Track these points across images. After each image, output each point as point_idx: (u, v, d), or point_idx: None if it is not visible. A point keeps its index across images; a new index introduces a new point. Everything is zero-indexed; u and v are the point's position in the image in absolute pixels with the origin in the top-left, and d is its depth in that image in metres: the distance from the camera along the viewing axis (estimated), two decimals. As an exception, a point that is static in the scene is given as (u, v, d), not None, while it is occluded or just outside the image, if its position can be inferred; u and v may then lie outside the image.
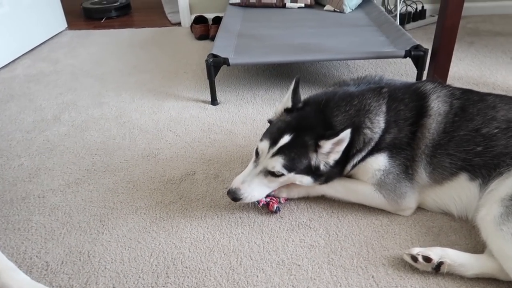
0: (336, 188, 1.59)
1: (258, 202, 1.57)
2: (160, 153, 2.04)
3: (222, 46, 2.58)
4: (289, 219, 1.58)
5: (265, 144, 1.48)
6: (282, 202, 1.63)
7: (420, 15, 3.65)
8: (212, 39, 3.35)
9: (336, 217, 1.58)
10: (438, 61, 2.19)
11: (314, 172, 1.49)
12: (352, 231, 1.51)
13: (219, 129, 2.23)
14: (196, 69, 3.01)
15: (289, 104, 1.56)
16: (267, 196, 1.59)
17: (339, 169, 1.55)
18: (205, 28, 3.62)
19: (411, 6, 3.65)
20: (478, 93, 1.57)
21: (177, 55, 3.32)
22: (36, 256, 1.46)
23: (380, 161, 1.51)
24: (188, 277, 1.36)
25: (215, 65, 2.36)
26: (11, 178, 1.90)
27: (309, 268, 1.37)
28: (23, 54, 3.41)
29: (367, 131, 1.50)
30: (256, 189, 1.51)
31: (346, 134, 1.42)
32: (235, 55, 2.48)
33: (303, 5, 3.43)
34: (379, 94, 1.55)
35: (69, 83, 2.90)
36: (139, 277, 1.37)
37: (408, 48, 2.34)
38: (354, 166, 1.55)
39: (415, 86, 1.59)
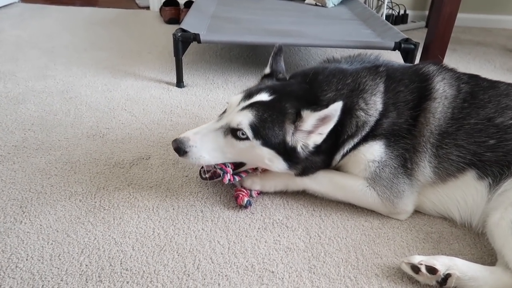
0: (320, 182, 1.32)
1: (223, 177, 1.25)
2: (109, 133, 1.70)
3: (193, 23, 2.28)
4: (261, 215, 1.29)
5: (237, 97, 1.23)
6: (254, 196, 1.35)
7: (402, 19, 3.53)
8: (183, 23, 3.05)
9: (319, 216, 1.30)
10: (433, 52, 1.99)
11: (288, 154, 1.21)
12: (338, 233, 1.24)
13: (184, 112, 1.91)
14: (162, 51, 2.69)
15: (267, 70, 1.33)
16: (234, 185, 1.31)
17: (325, 159, 1.29)
18: (175, 11, 3.32)
19: (393, 10, 3.52)
20: (487, 79, 1.37)
21: (142, 36, 2.98)
22: None
23: (375, 151, 1.25)
24: (127, 282, 1.03)
25: (183, 40, 2.06)
26: None
27: (285, 276, 1.09)
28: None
29: (360, 113, 1.24)
30: (207, 146, 1.21)
31: (335, 109, 1.15)
32: (208, 33, 2.19)
33: (283, -4, 3.21)
34: (376, 72, 1.31)
35: (10, 53, 2.49)
36: (61, 280, 1.03)
37: (398, 41, 2.14)
38: (343, 155, 1.29)
39: (417, 67, 1.37)
